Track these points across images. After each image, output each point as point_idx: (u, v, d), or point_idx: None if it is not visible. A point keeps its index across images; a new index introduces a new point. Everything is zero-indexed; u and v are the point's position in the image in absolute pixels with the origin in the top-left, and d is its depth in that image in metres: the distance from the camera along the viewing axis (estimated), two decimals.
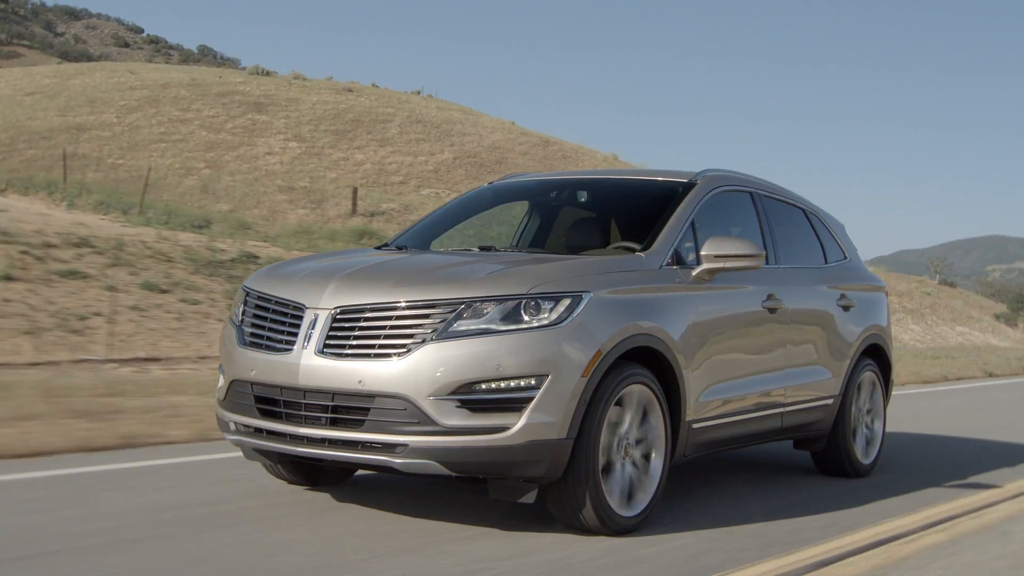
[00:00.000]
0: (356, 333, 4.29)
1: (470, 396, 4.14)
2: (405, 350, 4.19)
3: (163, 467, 5.87)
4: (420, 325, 4.24)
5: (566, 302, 4.34)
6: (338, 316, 4.34)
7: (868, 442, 6.73)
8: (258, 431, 4.54)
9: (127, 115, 55.68)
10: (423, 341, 4.19)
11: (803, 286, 6.12)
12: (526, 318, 4.26)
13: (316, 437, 4.31)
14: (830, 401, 6.28)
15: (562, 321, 4.29)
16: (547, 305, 4.31)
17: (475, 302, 4.26)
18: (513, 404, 4.17)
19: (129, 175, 47.01)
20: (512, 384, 4.17)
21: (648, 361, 4.73)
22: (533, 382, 4.19)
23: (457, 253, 5.32)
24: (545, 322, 4.27)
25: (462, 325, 4.21)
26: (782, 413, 5.81)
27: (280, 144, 53.70)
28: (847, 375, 6.42)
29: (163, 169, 48.52)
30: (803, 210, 6.69)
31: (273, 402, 4.46)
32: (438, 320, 4.23)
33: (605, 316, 4.45)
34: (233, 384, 4.65)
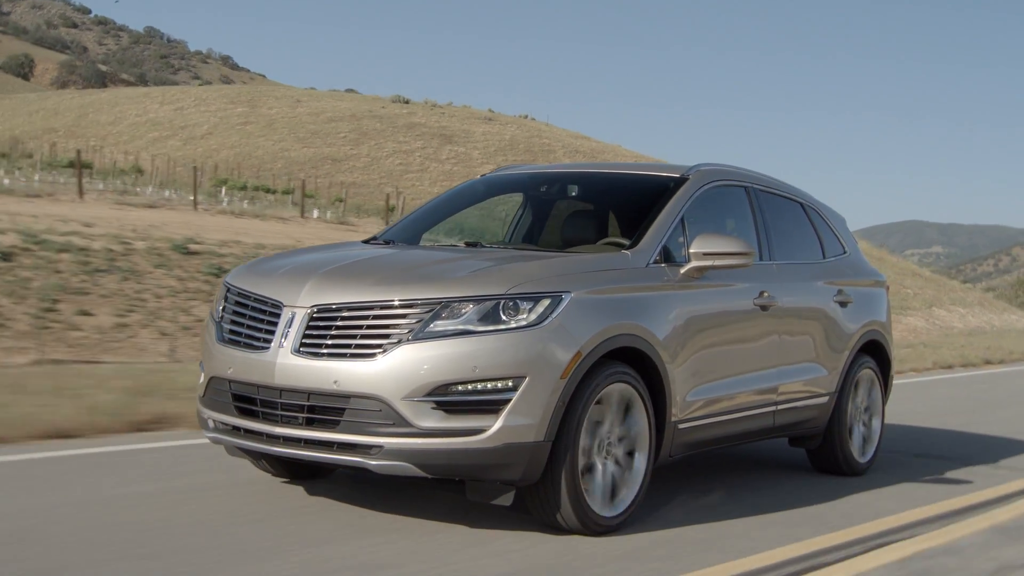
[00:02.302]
0: (332, 332, 4.24)
1: (446, 398, 4.09)
2: (381, 350, 4.14)
3: None
4: (397, 325, 4.18)
5: (545, 302, 4.28)
6: (315, 315, 4.29)
7: (865, 440, 6.63)
8: (236, 429, 4.51)
9: (356, 147, 60.69)
10: (399, 341, 4.14)
11: (797, 282, 6.02)
12: (504, 319, 4.20)
13: (292, 437, 4.27)
14: (825, 399, 6.18)
15: (541, 322, 4.22)
16: (526, 305, 4.24)
17: (453, 302, 4.19)
18: (489, 406, 4.11)
19: (415, 203, 50.26)
20: (489, 386, 4.12)
21: (633, 360, 4.66)
22: (510, 384, 4.13)
23: (442, 249, 5.25)
24: (523, 323, 4.21)
25: (439, 325, 4.16)
26: (774, 411, 5.73)
27: None
28: (843, 372, 6.32)
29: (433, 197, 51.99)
30: (801, 204, 6.58)
31: (250, 400, 4.42)
32: (415, 320, 4.17)
33: (586, 316, 4.38)
34: (212, 381, 4.62)
